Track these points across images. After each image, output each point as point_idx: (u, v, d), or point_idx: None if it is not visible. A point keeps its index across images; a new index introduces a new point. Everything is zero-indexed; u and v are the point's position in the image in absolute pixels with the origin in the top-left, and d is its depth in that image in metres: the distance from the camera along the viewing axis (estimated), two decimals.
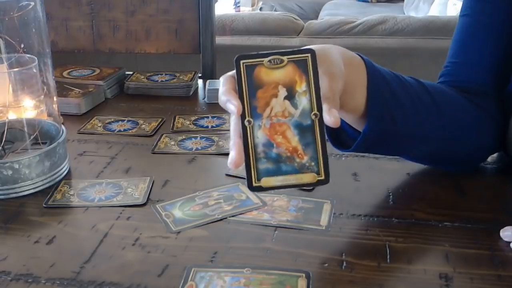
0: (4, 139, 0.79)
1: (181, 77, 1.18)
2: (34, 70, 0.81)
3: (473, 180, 0.76)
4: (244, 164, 0.52)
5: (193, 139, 0.91)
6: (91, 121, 0.99)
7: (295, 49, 0.53)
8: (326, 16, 3.61)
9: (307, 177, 0.52)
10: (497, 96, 0.75)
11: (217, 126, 0.96)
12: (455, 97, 0.73)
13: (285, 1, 4.63)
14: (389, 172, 0.78)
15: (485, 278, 0.56)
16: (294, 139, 0.52)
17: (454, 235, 0.63)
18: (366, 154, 0.82)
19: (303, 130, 0.52)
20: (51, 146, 0.76)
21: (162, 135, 0.92)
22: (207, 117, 1.00)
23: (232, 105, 0.52)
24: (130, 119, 1.00)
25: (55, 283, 0.56)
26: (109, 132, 0.95)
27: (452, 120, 0.71)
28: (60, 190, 0.75)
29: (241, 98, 0.52)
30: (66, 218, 0.69)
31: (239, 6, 4.27)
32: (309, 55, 0.52)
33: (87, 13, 1.29)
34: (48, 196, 0.73)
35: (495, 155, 0.81)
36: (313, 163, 0.52)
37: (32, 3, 0.78)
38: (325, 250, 0.61)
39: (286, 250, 0.61)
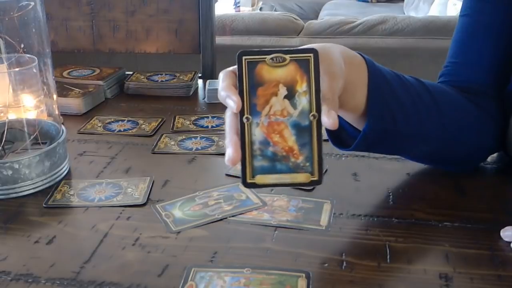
0: (4, 139, 0.79)
1: (181, 77, 1.18)
2: (34, 70, 0.81)
3: (473, 180, 0.76)
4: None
5: (193, 139, 0.91)
6: (91, 121, 0.99)
7: (298, 48, 0.53)
8: (326, 16, 3.61)
9: (301, 177, 0.53)
10: (497, 96, 0.75)
11: (217, 126, 0.96)
12: (455, 97, 0.73)
13: (285, 1, 4.63)
14: (389, 172, 0.78)
15: (485, 278, 0.56)
16: (291, 138, 0.52)
17: (454, 235, 0.63)
18: (366, 154, 0.82)
19: (301, 130, 0.52)
20: (51, 146, 0.76)
21: (162, 135, 0.92)
22: (207, 117, 1.00)
23: (231, 101, 0.51)
24: (130, 119, 1.00)
25: (55, 283, 0.56)
26: (109, 132, 0.95)
27: (453, 119, 0.71)
28: (60, 190, 0.75)
29: (241, 94, 0.52)
30: (66, 218, 0.69)
31: (239, 6, 4.27)
32: (311, 55, 0.52)
33: (87, 13, 1.29)
34: (48, 196, 0.73)
35: (495, 155, 0.81)
36: (307, 164, 0.52)
37: (32, 3, 0.78)
38: (325, 250, 0.61)
39: (286, 250, 0.61)
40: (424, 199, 0.71)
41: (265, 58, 0.52)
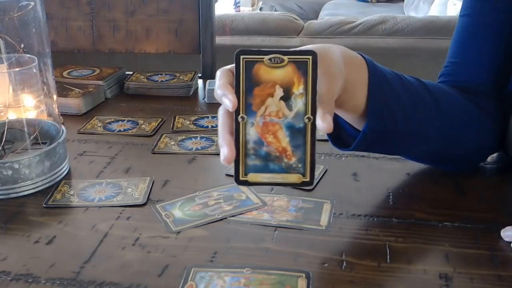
0: (4, 139, 0.79)
1: (181, 77, 1.18)
2: (34, 70, 0.81)
3: (473, 180, 0.76)
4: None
5: (193, 139, 0.91)
6: (91, 121, 0.99)
7: (297, 49, 0.53)
8: (326, 16, 3.61)
9: (293, 177, 0.53)
10: (497, 96, 0.75)
11: (217, 126, 0.96)
12: (455, 97, 0.73)
13: (285, 1, 4.63)
14: (389, 172, 0.78)
15: (485, 278, 0.56)
16: (285, 140, 0.52)
17: (454, 235, 0.63)
18: (366, 154, 0.82)
19: (295, 132, 0.52)
20: (51, 146, 0.76)
21: (162, 135, 0.92)
22: (207, 117, 1.00)
23: (227, 99, 0.52)
24: (130, 119, 1.00)
25: (55, 283, 0.56)
26: (109, 132, 0.95)
27: (453, 119, 0.71)
28: (60, 190, 0.75)
29: (237, 93, 0.52)
30: (66, 218, 0.69)
31: (239, 6, 4.27)
32: (310, 57, 0.51)
33: (87, 13, 1.29)
34: (48, 196, 0.73)
35: (495, 155, 0.81)
36: (300, 165, 0.53)
37: (32, 3, 0.78)
38: (325, 250, 0.61)
39: (286, 250, 0.61)
40: (424, 199, 0.71)
41: (263, 58, 0.51)
